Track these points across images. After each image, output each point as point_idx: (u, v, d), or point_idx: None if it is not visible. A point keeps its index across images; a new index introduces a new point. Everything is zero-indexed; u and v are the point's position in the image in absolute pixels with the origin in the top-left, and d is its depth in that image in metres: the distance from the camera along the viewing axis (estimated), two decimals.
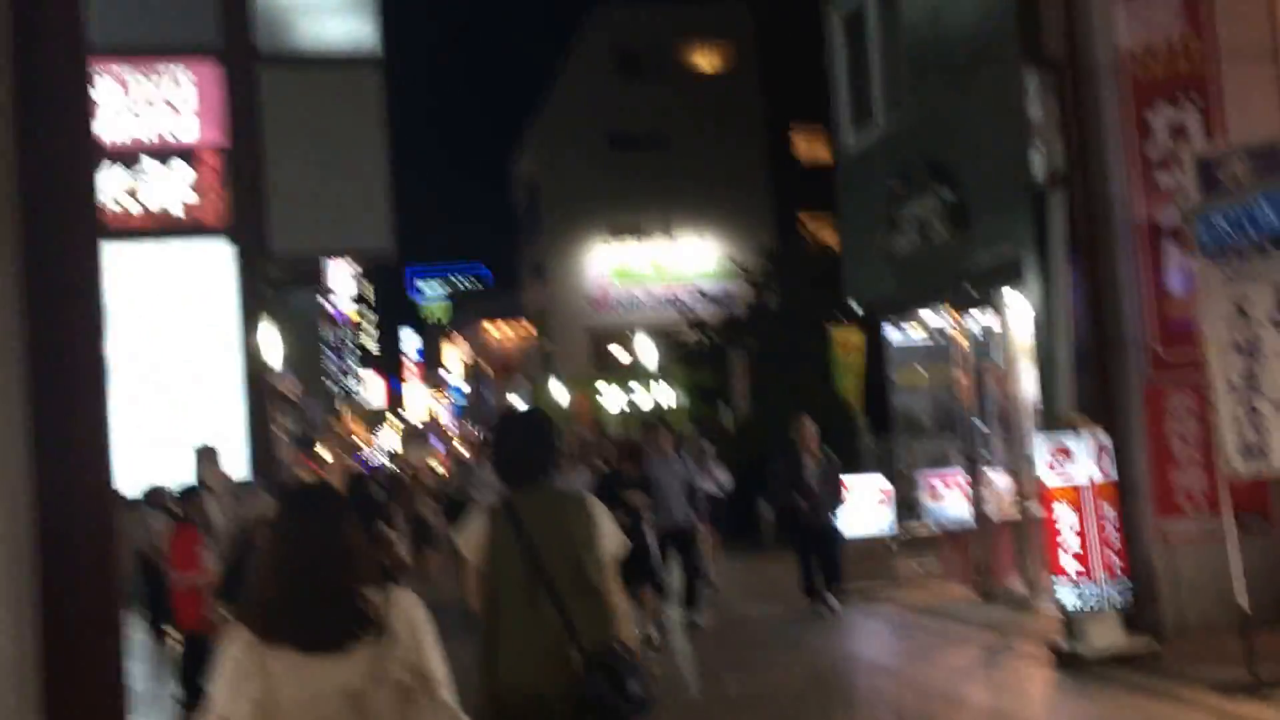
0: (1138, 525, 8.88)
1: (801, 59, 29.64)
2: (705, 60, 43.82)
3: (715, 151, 40.58)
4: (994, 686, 8.40)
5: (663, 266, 42.76)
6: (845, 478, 12.35)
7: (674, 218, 42.57)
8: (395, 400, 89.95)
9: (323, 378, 58.64)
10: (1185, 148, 8.80)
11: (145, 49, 15.31)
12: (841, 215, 14.73)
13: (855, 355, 18.46)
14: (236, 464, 13.06)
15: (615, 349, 40.81)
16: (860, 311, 14.49)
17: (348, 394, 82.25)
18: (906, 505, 13.35)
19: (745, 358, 22.64)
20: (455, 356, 67.57)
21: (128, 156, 15.31)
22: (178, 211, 15.49)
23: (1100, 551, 8.31)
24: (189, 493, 9.62)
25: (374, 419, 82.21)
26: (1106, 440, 8.52)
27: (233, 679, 2.95)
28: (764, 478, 16.71)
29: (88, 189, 3.83)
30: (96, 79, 14.47)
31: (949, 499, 12.44)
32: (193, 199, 15.49)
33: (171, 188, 15.50)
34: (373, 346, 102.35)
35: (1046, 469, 8.49)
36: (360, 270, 74.04)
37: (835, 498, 11.86)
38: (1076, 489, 8.35)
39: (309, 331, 46.98)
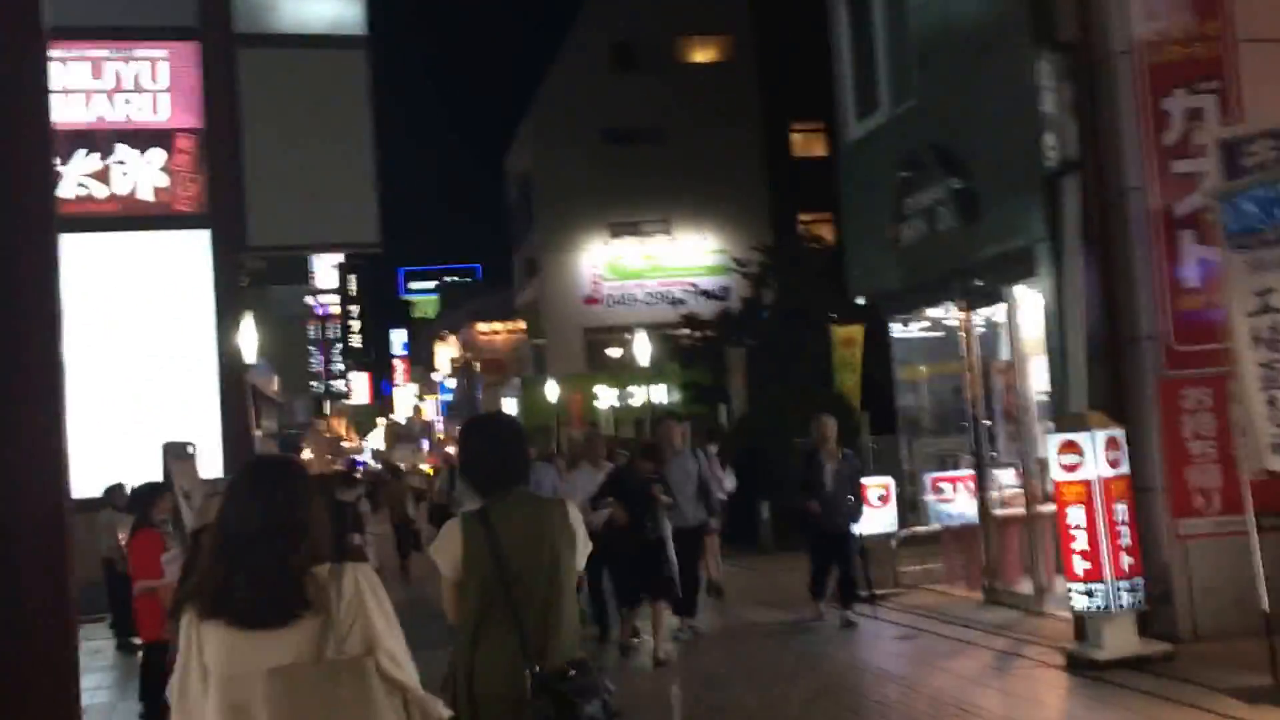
0: (1152, 524, 8.72)
1: (799, 51, 29.42)
2: (701, 54, 43.54)
3: (711, 146, 40.27)
4: (1007, 694, 8.16)
5: (658, 262, 42.48)
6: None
7: (669, 213, 42.29)
8: (385, 401, 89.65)
9: (308, 379, 58.41)
10: (1203, 133, 8.56)
11: (118, 30, 14.97)
12: (844, 206, 14.40)
13: (855, 352, 18.25)
14: (212, 465, 12.63)
15: (610, 347, 40.52)
16: (863, 302, 14.18)
17: (334, 394, 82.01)
18: (910, 504, 13.07)
19: (742, 354, 22.39)
20: (445, 355, 67.24)
21: (99, 140, 14.95)
22: (149, 197, 15.15)
23: (1112, 551, 8.11)
24: (148, 492, 8.91)
25: (363, 419, 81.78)
26: (1120, 436, 8.28)
27: (183, 667, 2.92)
28: (763, 477, 16.49)
29: (44, 179, 3.68)
30: (66, 62, 14.20)
31: (954, 498, 12.16)
32: (164, 182, 15.14)
33: (144, 172, 15.16)
34: (360, 346, 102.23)
35: (1057, 466, 8.31)
36: (343, 261, 73.82)
37: (855, 502, 11.16)
38: (1087, 487, 8.14)
39: (294, 329, 46.71)
